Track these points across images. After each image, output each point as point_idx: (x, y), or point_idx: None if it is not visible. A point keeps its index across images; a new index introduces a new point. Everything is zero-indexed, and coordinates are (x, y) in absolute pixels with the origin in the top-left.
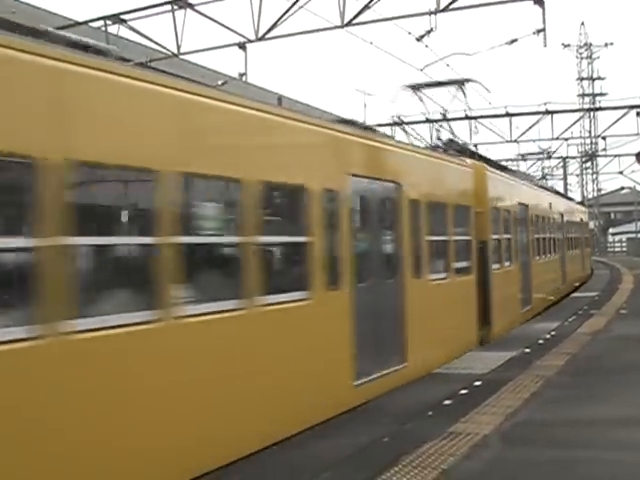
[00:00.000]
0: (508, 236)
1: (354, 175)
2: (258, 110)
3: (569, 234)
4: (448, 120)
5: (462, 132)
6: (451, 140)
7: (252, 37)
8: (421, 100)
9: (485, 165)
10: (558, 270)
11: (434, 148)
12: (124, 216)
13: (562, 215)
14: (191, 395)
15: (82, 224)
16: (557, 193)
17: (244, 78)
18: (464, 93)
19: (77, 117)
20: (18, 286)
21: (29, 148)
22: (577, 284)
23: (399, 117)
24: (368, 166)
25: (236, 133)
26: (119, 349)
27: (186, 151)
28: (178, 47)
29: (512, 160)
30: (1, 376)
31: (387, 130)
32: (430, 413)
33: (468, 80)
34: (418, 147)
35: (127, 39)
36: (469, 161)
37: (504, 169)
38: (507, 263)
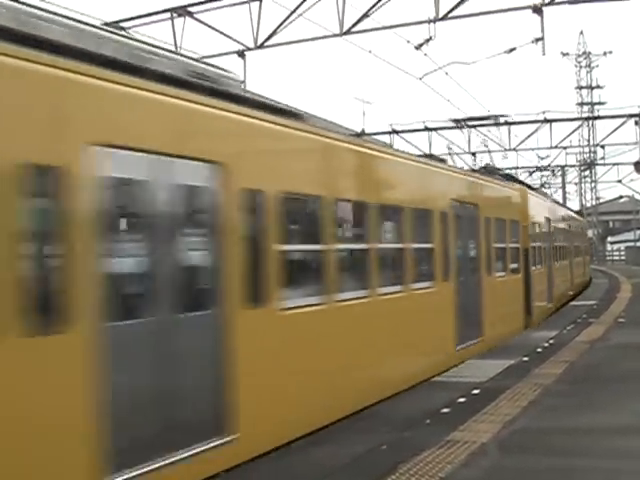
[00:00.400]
0: (540, 244)
1: (453, 200)
2: (413, 160)
3: (575, 243)
4: (446, 129)
5: (461, 140)
6: (489, 165)
7: (251, 45)
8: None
9: (526, 188)
10: (568, 274)
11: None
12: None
13: (570, 226)
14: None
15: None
16: (559, 204)
17: (243, 86)
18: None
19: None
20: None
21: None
22: (580, 288)
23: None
24: (460, 194)
25: (402, 178)
26: (355, 311)
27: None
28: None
29: (510, 169)
30: (313, 324)
31: (385, 138)
32: (428, 421)
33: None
34: (488, 177)
35: (124, 43)
36: (516, 185)
37: (532, 188)
38: (539, 266)
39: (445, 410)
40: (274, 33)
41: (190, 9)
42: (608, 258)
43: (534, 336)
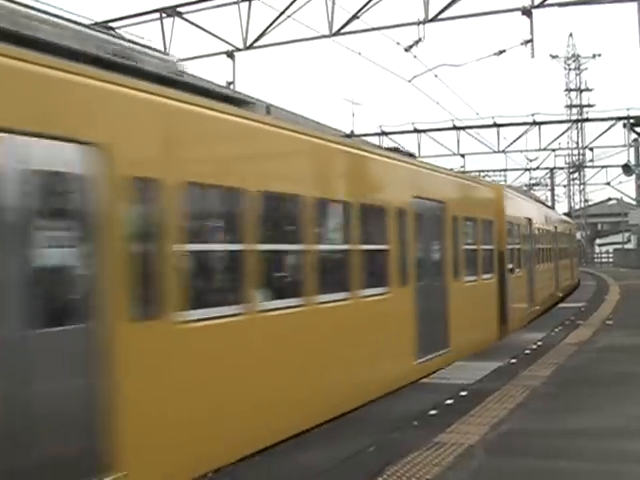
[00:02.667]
0: (518, 246)
1: (415, 197)
2: (364, 151)
3: (561, 245)
4: (435, 130)
5: (450, 142)
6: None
7: (240, 46)
8: None
9: (502, 186)
10: (552, 278)
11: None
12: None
13: (556, 227)
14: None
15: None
16: (544, 204)
17: (232, 87)
18: None
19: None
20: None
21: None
22: (568, 291)
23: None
24: (423, 190)
25: (349, 169)
26: (284, 323)
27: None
28: (166, 55)
29: (499, 171)
30: (226, 340)
31: (375, 139)
32: (415, 423)
33: None
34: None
35: (116, 44)
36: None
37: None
38: (518, 270)
39: (433, 412)
40: (263, 34)
41: (179, 9)
42: (596, 260)
43: (522, 338)
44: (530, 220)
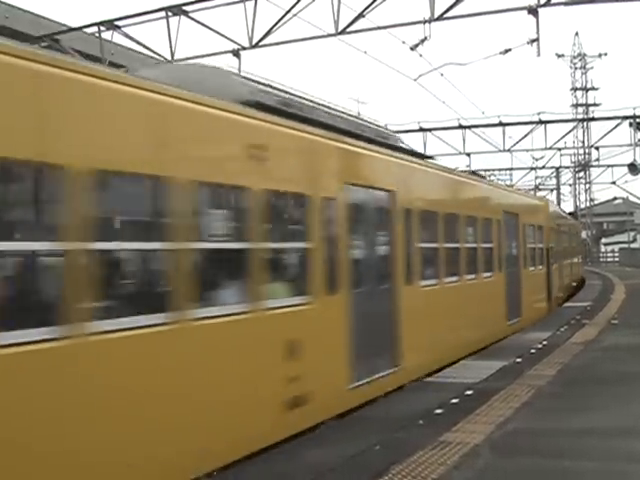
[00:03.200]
0: (494, 245)
1: (350, 184)
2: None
3: (562, 244)
4: (441, 129)
5: (456, 141)
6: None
7: (246, 44)
8: None
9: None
10: (542, 283)
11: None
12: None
13: (559, 225)
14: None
15: None
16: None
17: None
18: None
19: None
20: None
21: None
22: (567, 296)
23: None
24: (364, 176)
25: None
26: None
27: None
28: (172, 54)
29: (505, 170)
30: (438, 296)
31: None
32: (421, 422)
33: None
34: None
35: (121, 45)
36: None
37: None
38: (489, 273)
39: (438, 411)
40: (269, 32)
41: (185, 8)
42: (602, 259)
43: (527, 337)
44: (559, 225)
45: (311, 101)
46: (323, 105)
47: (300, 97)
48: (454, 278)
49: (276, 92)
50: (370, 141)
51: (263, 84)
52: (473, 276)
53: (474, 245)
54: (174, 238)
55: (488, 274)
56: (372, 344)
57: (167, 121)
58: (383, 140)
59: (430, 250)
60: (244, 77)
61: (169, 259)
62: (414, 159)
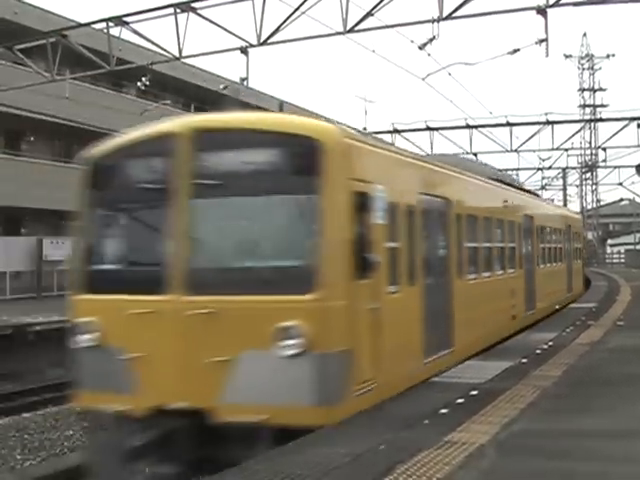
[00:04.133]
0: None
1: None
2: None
3: (555, 245)
4: (448, 128)
5: (463, 141)
6: None
7: (254, 42)
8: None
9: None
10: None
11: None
12: None
13: (569, 227)
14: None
15: None
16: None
17: (245, 83)
18: None
19: None
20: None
21: None
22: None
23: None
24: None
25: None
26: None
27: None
28: (180, 50)
29: (511, 170)
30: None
31: (387, 137)
32: (426, 422)
33: None
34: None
35: (129, 41)
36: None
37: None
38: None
39: (443, 411)
40: (277, 30)
41: (193, 5)
42: (608, 261)
43: (533, 338)
44: (583, 230)
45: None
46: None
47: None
48: (488, 273)
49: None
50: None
51: (494, 167)
52: (502, 272)
53: (502, 245)
54: (490, 241)
55: (512, 270)
56: (436, 328)
57: (479, 189)
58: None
59: (472, 249)
60: (485, 164)
61: (494, 250)
62: (459, 170)
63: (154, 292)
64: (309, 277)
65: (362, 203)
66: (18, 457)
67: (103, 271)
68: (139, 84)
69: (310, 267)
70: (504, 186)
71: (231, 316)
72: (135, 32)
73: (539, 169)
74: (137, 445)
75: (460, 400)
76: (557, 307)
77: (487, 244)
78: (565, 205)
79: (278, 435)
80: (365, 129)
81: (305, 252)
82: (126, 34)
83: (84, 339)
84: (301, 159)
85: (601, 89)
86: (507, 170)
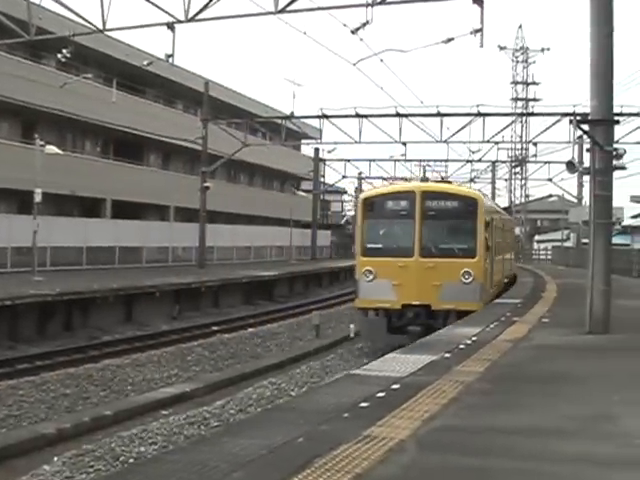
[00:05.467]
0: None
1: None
2: None
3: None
4: (378, 116)
5: (392, 129)
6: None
7: (182, 17)
8: None
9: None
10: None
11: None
12: None
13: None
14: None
15: None
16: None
17: (171, 60)
18: None
19: None
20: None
21: None
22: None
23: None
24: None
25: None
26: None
27: None
28: (104, 22)
29: (440, 161)
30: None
31: (315, 122)
32: (346, 415)
33: None
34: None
35: (50, 10)
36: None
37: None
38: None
39: (363, 404)
40: (206, 7)
41: None
42: (535, 257)
43: (457, 332)
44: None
45: None
46: None
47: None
48: (500, 256)
49: None
50: None
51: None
52: (500, 256)
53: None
54: (499, 240)
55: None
56: (497, 273)
57: (498, 214)
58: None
59: (497, 243)
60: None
61: (500, 244)
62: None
63: (406, 256)
64: (473, 251)
65: (487, 224)
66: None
67: (372, 248)
68: (59, 56)
69: (473, 248)
70: (501, 210)
71: (441, 267)
72: (57, 1)
73: (468, 161)
74: (397, 324)
75: (381, 394)
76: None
77: (499, 240)
78: (493, 199)
79: (460, 315)
80: (292, 113)
81: (471, 242)
82: (48, 3)
83: (366, 277)
84: (469, 206)
85: (534, 83)
86: (436, 161)
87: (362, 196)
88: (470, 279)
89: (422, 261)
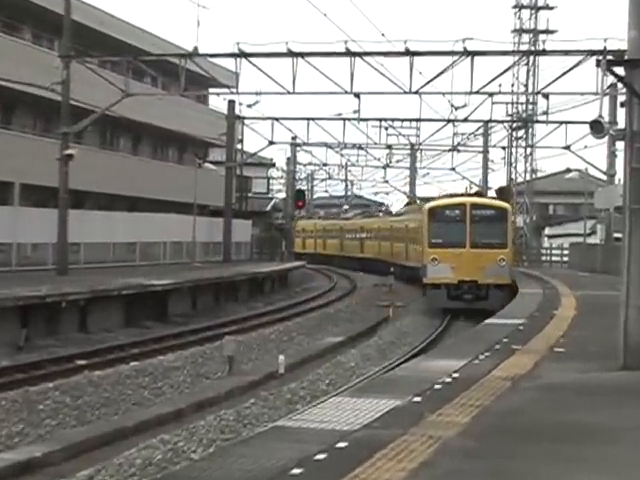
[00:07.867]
0: None
1: None
2: None
3: None
4: (320, 55)
5: (341, 75)
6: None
7: None
8: None
9: None
10: None
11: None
12: None
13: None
14: None
15: None
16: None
17: None
18: None
19: None
20: None
21: None
22: None
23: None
24: None
25: None
26: None
27: None
28: None
29: (410, 121)
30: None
31: (230, 63)
32: None
33: None
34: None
35: None
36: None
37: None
38: None
39: (295, 471)
40: None
41: None
42: (545, 259)
43: (431, 366)
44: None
45: None
46: None
47: None
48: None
49: None
50: None
51: None
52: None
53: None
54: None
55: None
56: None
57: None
58: None
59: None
60: None
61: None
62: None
63: (460, 247)
64: (505, 244)
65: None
66: None
67: (436, 242)
68: None
69: (504, 242)
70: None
71: (484, 254)
72: None
73: (450, 121)
74: (455, 293)
75: (321, 455)
76: None
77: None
78: (485, 177)
79: (497, 287)
80: (196, 49)
81: (503, 237)
82: None
83: (433, 263)
84: (502, 214)
85: (548, 7)
86: (403, 121)
87: (427, 206)
88: (504, 263)
89: (471, 251)
